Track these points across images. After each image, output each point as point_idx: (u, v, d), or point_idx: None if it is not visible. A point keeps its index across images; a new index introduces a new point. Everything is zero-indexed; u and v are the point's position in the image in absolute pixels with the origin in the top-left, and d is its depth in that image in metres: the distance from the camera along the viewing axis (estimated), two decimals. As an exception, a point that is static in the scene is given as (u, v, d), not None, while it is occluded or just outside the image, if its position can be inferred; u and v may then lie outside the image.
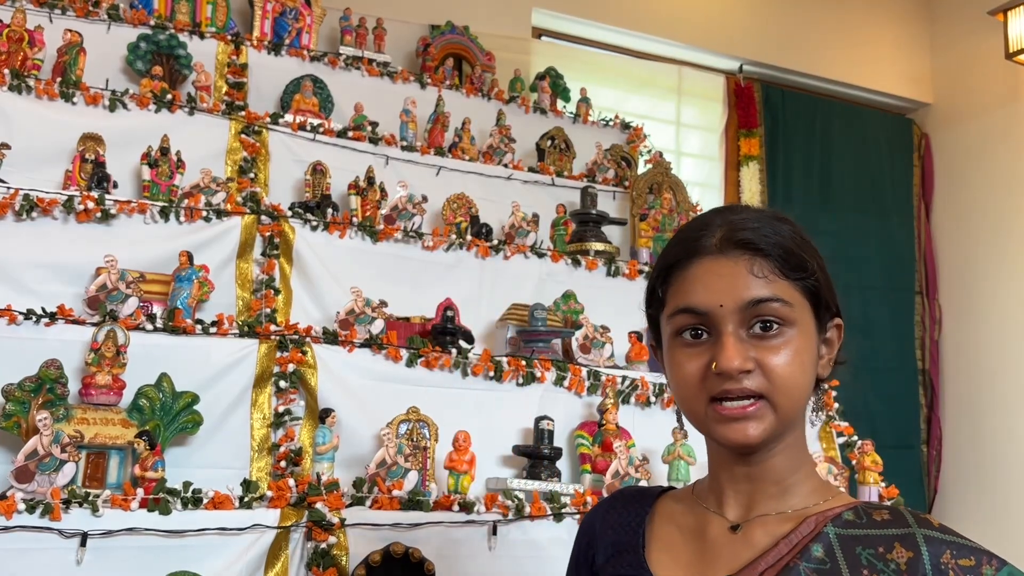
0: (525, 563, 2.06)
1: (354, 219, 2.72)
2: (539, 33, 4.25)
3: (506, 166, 3.22)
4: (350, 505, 2.00)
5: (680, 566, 0.96)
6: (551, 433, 2.35)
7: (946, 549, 0.84)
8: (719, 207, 1.07)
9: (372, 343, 2.37)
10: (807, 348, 0.92)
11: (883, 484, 2.49)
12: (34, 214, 2.31)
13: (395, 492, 2.07)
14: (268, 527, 1.89)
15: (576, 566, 1.10)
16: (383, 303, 2.47)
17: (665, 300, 0.96)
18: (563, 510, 2.13)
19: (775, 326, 0.90)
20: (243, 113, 2.85)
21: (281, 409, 2.22)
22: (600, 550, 1.04)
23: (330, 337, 2.35)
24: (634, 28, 4.36)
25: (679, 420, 1.07)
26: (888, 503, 0.97)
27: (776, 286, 0.91)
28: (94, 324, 2.10)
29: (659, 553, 0.98)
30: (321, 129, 2.93)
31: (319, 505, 1.94)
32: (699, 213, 3.52)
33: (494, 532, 2.04)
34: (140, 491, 1.84)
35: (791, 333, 0.91)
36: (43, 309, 2.10)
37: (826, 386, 1.00)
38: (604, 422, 2.42)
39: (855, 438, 2.64)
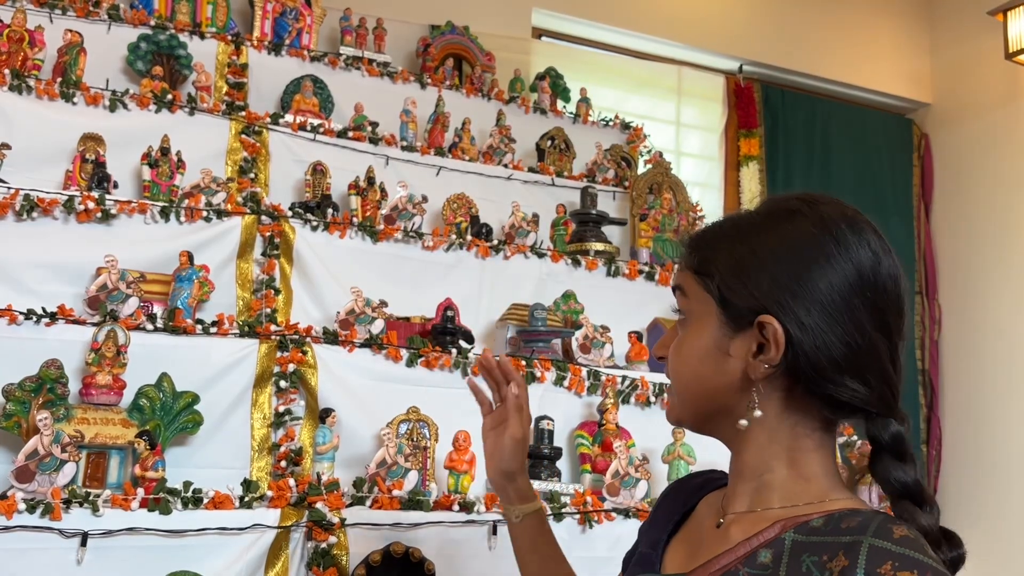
0: (525, 563, 2.06)
1: (354, 219, 2.72)
2: (539, 33, 4.25)
3: (506, 166, 3.22)
4: (350, 505, 2.00)
5: (679, 554, 0.99)
6: (551, 433, 2.35)
7: (888, 560, 0.76)
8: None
9: (372, 343, 2.37)
10: (699, 343, 0.94)
11: (883, 484, 2.48)
12: (34, 214, 2.31)
13: (395, 492, 2.07)
14: (268, 527, 1.89)
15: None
16: (383, 303, 2.47)
17: None
18: (563, 510, 2.14)
19: (681, 314, 0.98)
20: (243, 113, 2.85)
21: (281, 409, 2.22)
22: (648, 524, 1.10)
23: (330, 337, 2.35)
24: (634, 28, 4.36)
25: None
26: (872, 510, 0.89)
27: (682, 276, 0.98)
28: (94, 324, 2.10)
29: (680, 541, 1.01)
30: (321, 129, 2.94)
31: (319, 505, 1.94)
32: (701, 212, 3.52)
33: (494, 532, 2.04)
34: (140, 491, 1.84)
35: (688, 323, 0.96)
36: (43, 309, 2.10)
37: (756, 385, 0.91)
38: (604, 422, 2.43)
39: (855, 438, 2.64)
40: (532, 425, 2.34)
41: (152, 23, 2.96)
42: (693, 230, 1.03)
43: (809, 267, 0.88)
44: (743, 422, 0.91)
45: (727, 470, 1.00)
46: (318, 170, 2.81)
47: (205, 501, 1.87)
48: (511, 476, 1.30)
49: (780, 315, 0.87)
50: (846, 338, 0.87)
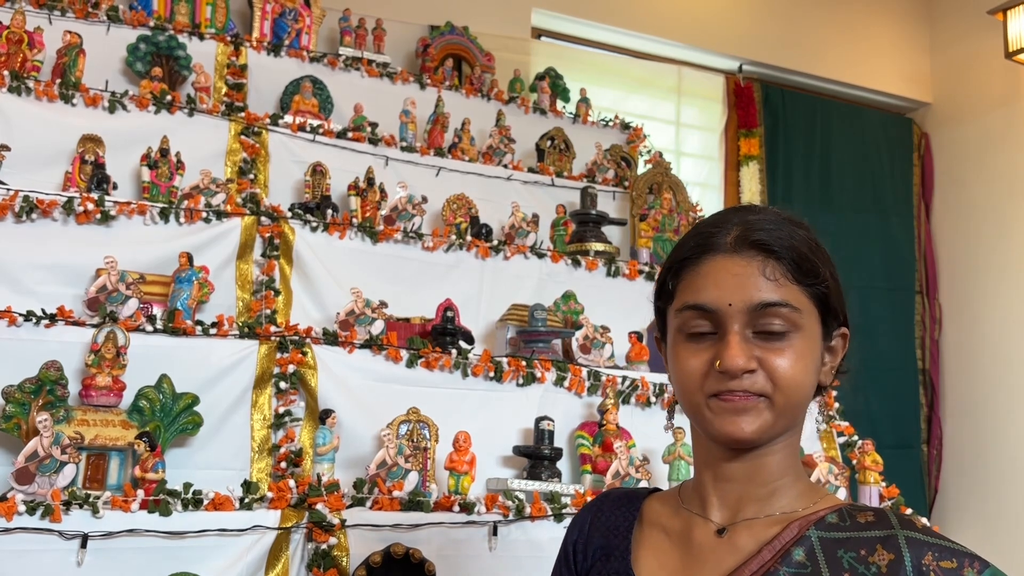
0: (525, 563, 2.06)
1: (354, 220, 2.72)
2: (539, 33, 4.25)
3: (506, 166, 3.22)
4: (350, 506, 2.00)
5: (666, 571, 0.95)
6: (551, 433, 2.35)
7: (928, 551, 0.83)
8: (737, 206, 1.07)
9: (372, 344, 2.37)
10: (810, 354, 0.92)
11: (883, 484, 2.49)
12: (34, 215, 2.31)
13: (395, 493, 2.06)
14: (268, 528, 1.89)
15: (560, 568, 1.08)
16: (383, 304, 2.47)
17: (674, 294, 0.96)
18: (563, 510, 2.13)
19: (781, 330, 0.90)
20: (243, 114, 2.85)
21: (281, 410, 2.22)
22: (588, 553, 1.04)
23: (330, 338, 2.34)
24: (634, 28, 4.36)
25: (670, 416, 1.11)
26: (875, 505, 0.95)
27: (786, 291, 0.91)
28: (94, 325, 2.10)
29: (646, 557, 0.98)
30: (321, 130, 2.93)
31: (319, 506, 1.94)
32: (701, 212, 3.53)
33: (494, 532, 2.04)
34: (140, 492, 1.84)
35: (796, 338, 0.91)
36: (43, 310, 2.10)
37: (824, 392, 0.99)
38: (604, 422, 2.42)
39: (855, 438, 2.64)
40: (534, 426, 2.36)
41: (151, 24, 2.96)
42: (765, 236, 0.95)
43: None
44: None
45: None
46: (318, 171, 2.81)
47: (205, 502, 1.87)
48: None
49: (848, 326, 0.97)
50: None
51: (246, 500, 1.92)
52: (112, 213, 2.38)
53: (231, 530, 1.86)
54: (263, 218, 2.56)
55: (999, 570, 0.81)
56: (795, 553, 0.87)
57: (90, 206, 2.35)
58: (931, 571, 0.81)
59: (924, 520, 0.88)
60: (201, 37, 3.04)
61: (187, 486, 1.89)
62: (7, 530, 1.69)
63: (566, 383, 2.52)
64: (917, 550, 0.83)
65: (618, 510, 1.05)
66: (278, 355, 2.26)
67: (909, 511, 2.22)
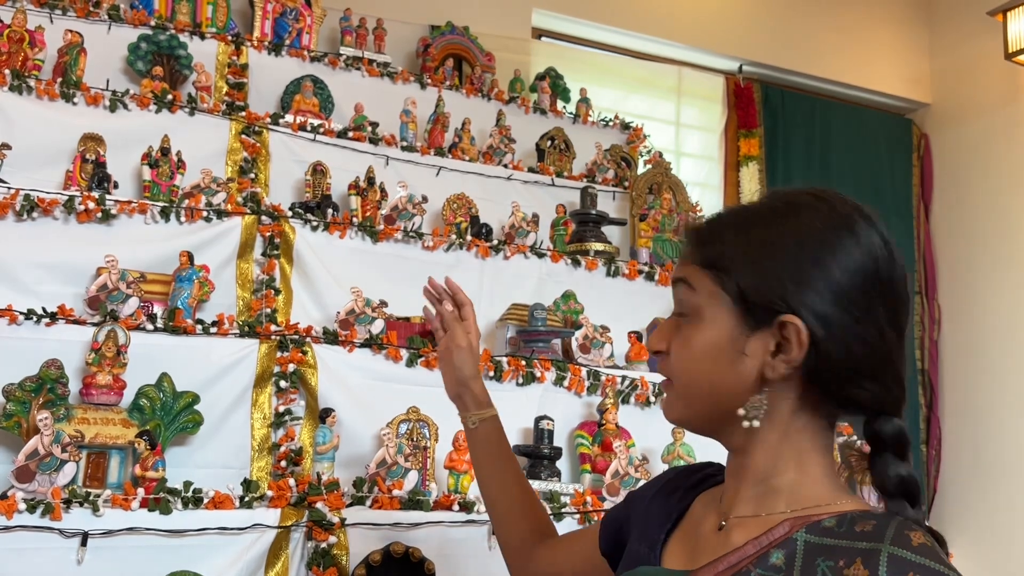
0: (525, 563, 2.06)
1: (354, 219, 2.72)
2: (539, 33, 4.25)
3: (506, 166, 3.22)
4: (350, 505, 2.01)
5: (680, 557, 0.96)
6: (551, 433, 2.35)
7: (910, 571, 0.74)
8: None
9: (372, 343, 2.37)
10: (710, 340, 0.89)
11: (882, 484, 2.49)
12: (35, 214, 2.31)
13: (395, 492, 2.07)
14: (268, 527, 1.90)
15: (626, 503, 1.15)
16: (383, 303, 2.47)
17: None
18: (563, 510, 2.14)
19: (685, 310, 0.93)
20: (243, 113, 2.85)
21: (281, 409, 2.22)
22: (641, 515, 1.07)
23: (330, 337, 2.35)
24: (634, 28, 4.36)
25: None
26: (878, 508, 0.88)
27: (689, 269, 0.93)
28: (95, 324, 2.10)
29: (677, 540, 0.99)
30: (321, 129, 2.94)
31: (319, 505, 1.94)
32: (701, 212, 3.54)
33: (494, 532, 2.04)
34: (141, 491, 1.84)
35: (693, 321, 0.92)
36: (44, 309, 2.10)
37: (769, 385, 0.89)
38: (604, 422, 2.43)
39: (854, 438, 2.64)
40: (534, 426, 2.36)
41: (152, 23, 2.96)
42: (693, 221, 0.96)
43: (828, 261, 0.86)
44: (755, 423, 0.87)
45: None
46: (318, 170, 2.81)
47: (205, 501, 1.87)
48: (464, 382, 1.37)
49: (803, 314, 0.84)
50: (865, 337, 0.85)
51: (246, 499, 1.92)
52: (113, 212, 2.39)
53: (231, 528, 1.86)
54: (264, 217, 2.56)
55: None
56: (773, 556, 0.83)
57: (91, 205, 2.36)
58: None
59: (926, 539, 0.78)
60: (202, 36, 3.04)
61: (187, 484, 1.89)
62: (7, 528, 1.69)
63: (566, 383, 2.52)
64: (896, 569, 0.74)
65: (685, 484, 1.07)
66: (278, 354, 2.26)
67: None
